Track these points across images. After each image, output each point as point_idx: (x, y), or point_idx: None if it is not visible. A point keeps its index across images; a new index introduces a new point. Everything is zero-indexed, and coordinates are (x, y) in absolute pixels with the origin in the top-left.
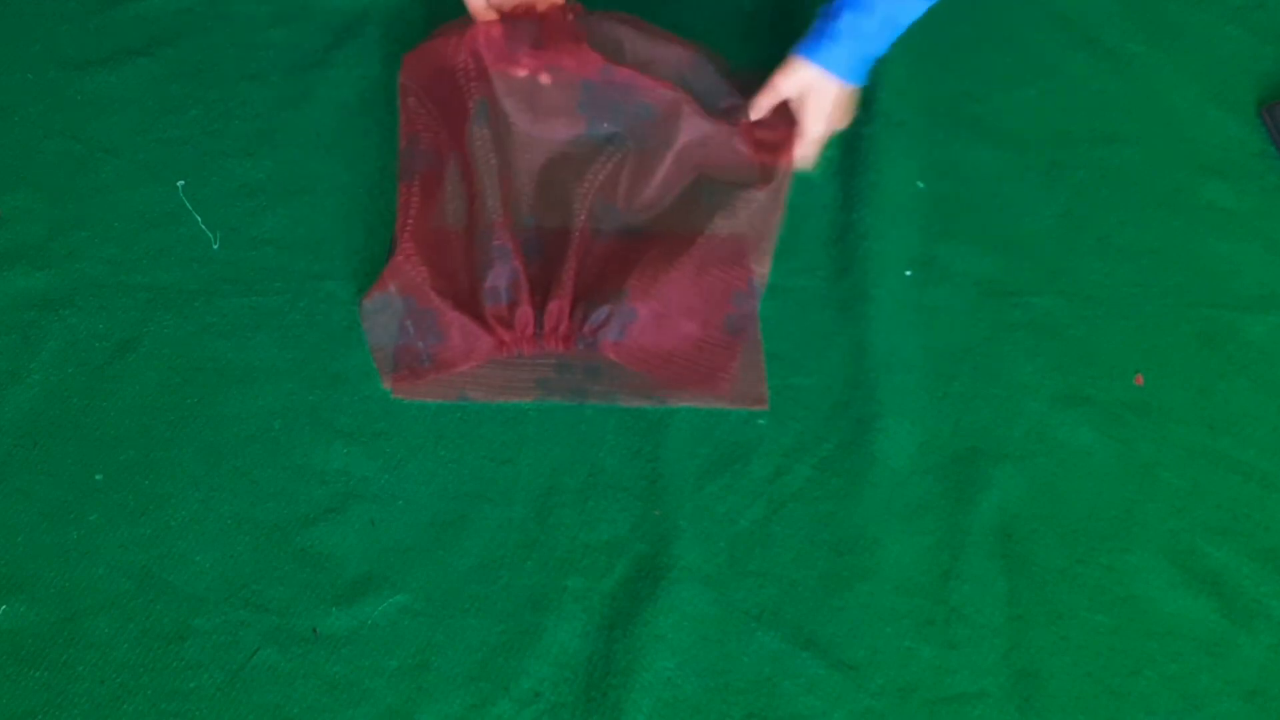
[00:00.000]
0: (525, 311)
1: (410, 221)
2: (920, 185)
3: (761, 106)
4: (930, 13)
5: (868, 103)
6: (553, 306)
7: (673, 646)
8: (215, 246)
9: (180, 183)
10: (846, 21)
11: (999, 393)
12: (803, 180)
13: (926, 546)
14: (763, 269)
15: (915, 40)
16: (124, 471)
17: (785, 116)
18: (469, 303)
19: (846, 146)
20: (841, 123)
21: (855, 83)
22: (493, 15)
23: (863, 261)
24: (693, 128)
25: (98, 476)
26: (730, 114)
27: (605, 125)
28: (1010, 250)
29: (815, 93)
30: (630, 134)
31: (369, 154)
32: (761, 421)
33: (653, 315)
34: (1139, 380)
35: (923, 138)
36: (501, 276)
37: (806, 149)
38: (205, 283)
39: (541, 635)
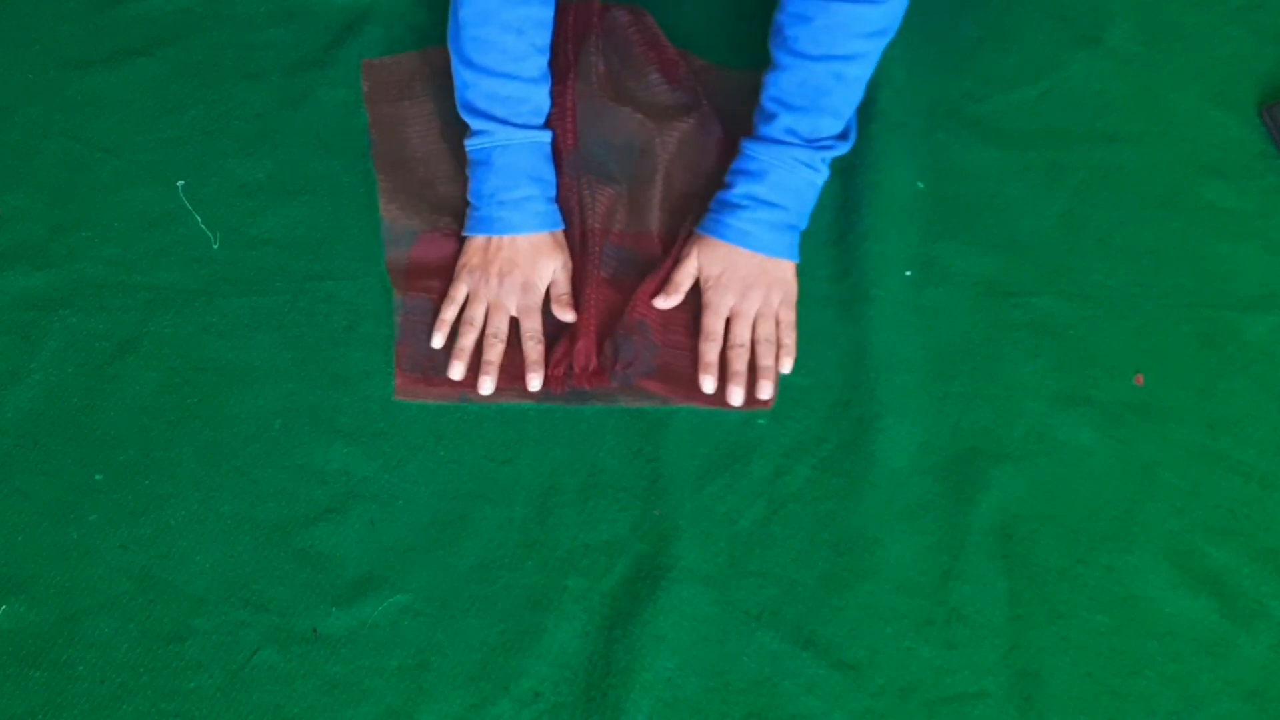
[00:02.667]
0: (563, 350)
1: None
2: (920, 185)
3: (680, 287)
4: (930, 13)
5: (868, 103)
6: (580, 346)
7: (673, 646)
8: (215, 246)
9: (180, 183)
10: (741, 189)
11: (999, 393)
12: None
13: (926, 546)
14: None
15: (915, 40)
16: (124, 471)
17: None
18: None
19: None
20: (785, 313)
21: (779, 254)
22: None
23: (863, 262)
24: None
25: (98, 476)
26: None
27: (597, 159)
28: (1010, 250)
29: (726, 269)
30: (619, 168)
31: (369, 154)
32: (761, 421)
33: (671, 345)
34: (1139, 380)
35: (923, 138)
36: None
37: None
38: (205, 283)
39: (541, 635)
